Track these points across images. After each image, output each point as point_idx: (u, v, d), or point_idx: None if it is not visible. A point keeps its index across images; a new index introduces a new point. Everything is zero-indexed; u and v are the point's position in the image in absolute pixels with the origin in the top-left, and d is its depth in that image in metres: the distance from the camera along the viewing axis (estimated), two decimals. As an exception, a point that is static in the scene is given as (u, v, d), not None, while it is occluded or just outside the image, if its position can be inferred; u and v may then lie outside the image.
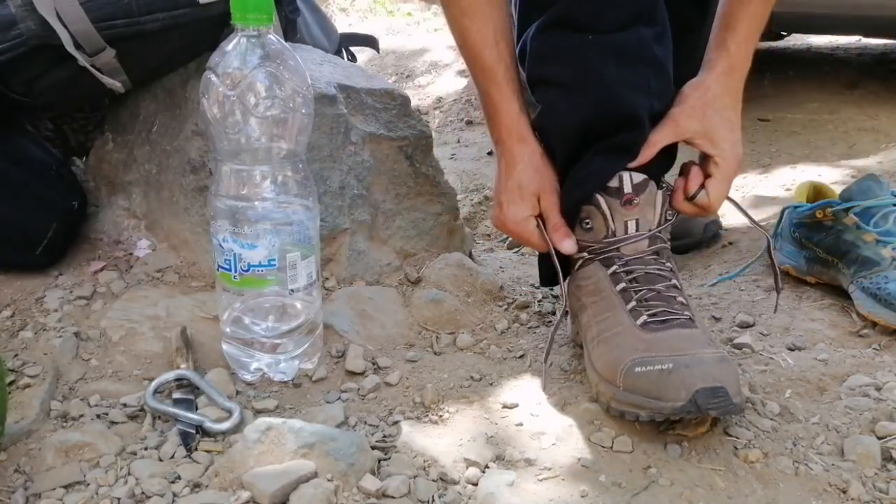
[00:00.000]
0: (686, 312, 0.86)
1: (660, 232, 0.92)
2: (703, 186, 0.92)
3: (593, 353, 0.89)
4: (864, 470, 0.77)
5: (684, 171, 0.95)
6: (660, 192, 0.92)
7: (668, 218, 0.93)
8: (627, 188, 0.91)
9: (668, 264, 0.91)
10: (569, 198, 0.94)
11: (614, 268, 0.91)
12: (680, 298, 0.88)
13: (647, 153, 0.92)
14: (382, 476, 0.76)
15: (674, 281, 0.90)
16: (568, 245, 0.94)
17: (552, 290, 1.16)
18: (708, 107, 0.92)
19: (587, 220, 0.93)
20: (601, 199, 0.91)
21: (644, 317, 0.85)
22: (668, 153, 0.95)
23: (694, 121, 0.92)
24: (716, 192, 0.93)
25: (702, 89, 0.93)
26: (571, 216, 0.95)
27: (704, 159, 0.94)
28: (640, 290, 0.88)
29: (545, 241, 0.95)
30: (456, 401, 0.90)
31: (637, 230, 0.91)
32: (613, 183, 0.91)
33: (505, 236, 1.58)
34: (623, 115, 0.91)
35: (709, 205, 0.93)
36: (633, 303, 0.87)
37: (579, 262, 0.95)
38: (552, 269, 0.95)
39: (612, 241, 0.91)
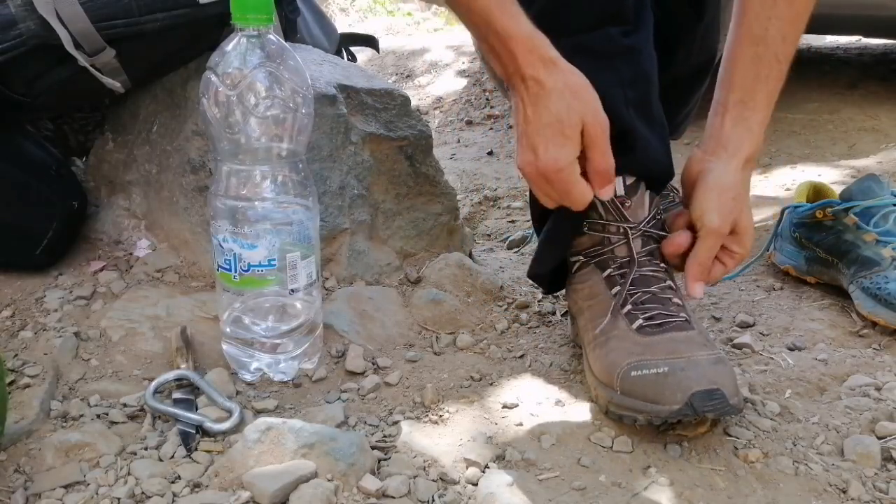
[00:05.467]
0: (682, 314, 0.86)
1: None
2: (723, 263, 0.89)
3: (591, 357, 0.89)
4: (864, 470, 0.77)
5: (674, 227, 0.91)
6: (648, 192, 0.92)
7: (658, 217, 0.93)
8: (620, 190, 0.91)
9: (663, 265, 0.91)
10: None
11: (609, 270, 0.91)
12: (675, 299, 0.88)
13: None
14: (382, 476, 0.76)
15: (669, 282, 0.90)
16: (608, 192, 0.84)
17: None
18: (731, 199, 0.86)
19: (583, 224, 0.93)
20: (597, 202, 0.91)
21: (640, 320, 0.85)
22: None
23: (722, 219, 0.86)
24: (731, 267, 0.91)
25: (725, 183, 0.86)
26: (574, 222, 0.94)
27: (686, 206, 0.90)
28: (636, 293, 0.88)
29: (587, 192, 0.83)
30: (456, 401, 0.90)
31: None
32: None
33: (505, 236, 1.58)
34: None
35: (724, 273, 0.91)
36: (629, 306, 0.87)
37: (576, 266, 0.95)
38: (556, 274, 0.92)
39: (605, 243, 0.91)
